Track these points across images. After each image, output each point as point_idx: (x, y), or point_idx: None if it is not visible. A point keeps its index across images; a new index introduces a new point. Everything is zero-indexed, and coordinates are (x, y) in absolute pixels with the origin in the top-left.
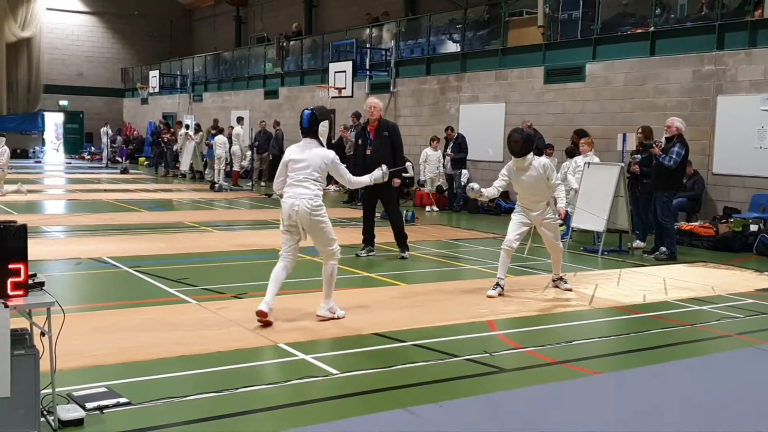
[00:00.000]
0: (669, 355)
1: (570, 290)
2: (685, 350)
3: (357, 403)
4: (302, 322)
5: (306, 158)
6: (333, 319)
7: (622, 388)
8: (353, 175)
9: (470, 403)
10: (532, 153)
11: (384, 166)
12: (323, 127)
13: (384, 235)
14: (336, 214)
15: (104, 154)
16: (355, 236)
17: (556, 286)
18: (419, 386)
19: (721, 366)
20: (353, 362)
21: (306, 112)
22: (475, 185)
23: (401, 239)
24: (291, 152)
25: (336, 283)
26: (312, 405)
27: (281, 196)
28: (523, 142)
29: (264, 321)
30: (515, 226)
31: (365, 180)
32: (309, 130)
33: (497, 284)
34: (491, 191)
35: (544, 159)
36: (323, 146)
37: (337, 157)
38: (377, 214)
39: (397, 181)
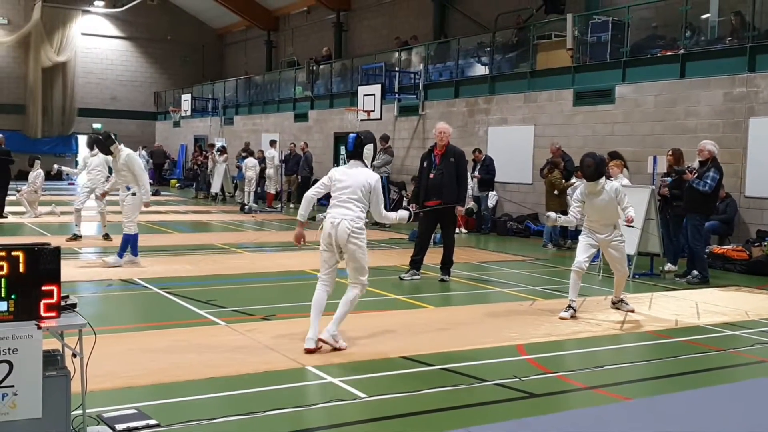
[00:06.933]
0: (702, 381)
1: (632, 311)
2: (719, 376)
3: (385, 428)
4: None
5: (349, 178)
6: (335, 349)
7: (654, 415)
8: (414, 198)
9: (500, 428)
10: (604, 177)
11: (411, 209)
12: (368, 150)
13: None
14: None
15: None
16: (397, 258)
17: (617, 308)
18: (448, 411)
19: (756, 393)
20: (381, 386)
21: (351, 135)
22: (552, 214)
23: (448, 264)
24: (335, 172)
25: (364, 305)
26: (340, 428)
27: (314, 218)
28: (596, 166)
29: (313, 351)
30: (584, 248)
31: (392, 217)
32: (354, 152)
33: (569, 306)
34: (570, 219)
35: (616, 183)
36: (368, 168)
37: (380, 182)
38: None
39: (460, 209)
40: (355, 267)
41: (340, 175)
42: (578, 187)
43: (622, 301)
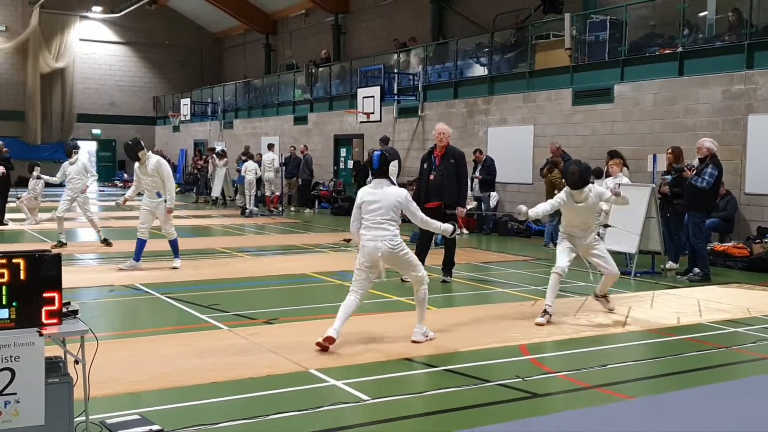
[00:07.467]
0: (705, 379)
1: (612, 311)
2: (721, 373)
3: (389, 429)
4: (333, 348)
5: (379, 199)
6: (428, 340)
7: (657, 413)
8: (415, 199)
9: (503, 429)
10: (590, 185)
11: (457, 225)
12: (393, 166)
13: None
14: None
15: None
16: None
17: (599, 302)
18: (451, 412)
19: (759, 389)
20: (384, 388)
21: (376, 153)
22: (523, 207)
23: (449, 265)
24: (363, 194)
25: (363, 308)
26: (343, 431)
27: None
28: (581, 174)
29: (327, 347)
30: (565, 252)
31: (435, 226)
32: (380, 170)
33: (545, 311)
34: (538, 211)
35: (600, 188)
36: (395, 185)
37: (410, 194)
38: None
39: (461, 210)
40: (408, 269)
41: (368, 197)
42: None
43: (605, 297)
